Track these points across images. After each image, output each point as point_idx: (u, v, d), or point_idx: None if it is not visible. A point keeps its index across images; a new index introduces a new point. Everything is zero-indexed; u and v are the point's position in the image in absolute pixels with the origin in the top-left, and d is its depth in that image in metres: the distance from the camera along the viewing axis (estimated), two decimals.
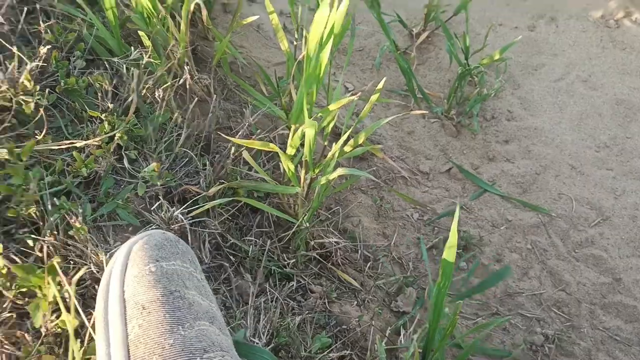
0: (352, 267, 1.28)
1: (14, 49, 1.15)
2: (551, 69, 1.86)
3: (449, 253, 0.81)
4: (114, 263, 0.75)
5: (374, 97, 1.21)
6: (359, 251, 1.30)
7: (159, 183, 1.12)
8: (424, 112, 1.42)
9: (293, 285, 1.18)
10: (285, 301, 1.15)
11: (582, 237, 1.47)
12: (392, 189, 1.46)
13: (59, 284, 0.85)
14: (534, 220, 1.48)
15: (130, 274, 0.72)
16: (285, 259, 1.20)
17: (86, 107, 1.19)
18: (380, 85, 1.21)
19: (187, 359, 0.66)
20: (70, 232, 0.97)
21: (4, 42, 1.23)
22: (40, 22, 1.27)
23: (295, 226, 1.21)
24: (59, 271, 0.81)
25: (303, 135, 1.17)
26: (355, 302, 1.21)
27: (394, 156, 1.57)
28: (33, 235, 0.98)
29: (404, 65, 1.67)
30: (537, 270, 1.40)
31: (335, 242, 1.26)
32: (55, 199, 1.02)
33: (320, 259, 1.23)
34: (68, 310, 0.85)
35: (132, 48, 1.31)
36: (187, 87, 1.34)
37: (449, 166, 1.58)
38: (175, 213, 1.07)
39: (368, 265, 1.29)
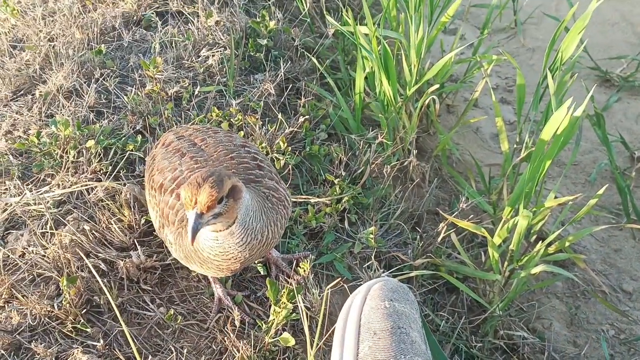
0: None
1: (279, 115, 1.40)
2: None
3: None
4: (356, 295, 0.92)
5: (591, 202, 1.26)
6: (546, 352, 1.32)
7: (372, 246, 1.27)
8: (638, 227, 1.41)
9: None
10: None
11: None
12: (597, 296, 1.45)
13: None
14: None
15: (368, 305, 0.89)
16: (473, 341, 1.26)
17: (322, 171, 1.40)
18: (600, 192, 1.25)
19: None
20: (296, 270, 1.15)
21: (269, 109, 1.50)
22: (301, 97, 1.53)
23: (488, 312, 1.27)
24: (299, 298, 0.97)
25: (511, 229, 1.25)
26: None
27: (596, 269, 1.56)
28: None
29: (622, 184, 1.68)
30: None
31: (524, 337, 1.29)
32: (286, 240, 1.21)
33: (507, 350, 1.27)
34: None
35: (368, 129, 1.51)
36: (410, 169, 1.49)
37: None
38: (384, 275, 1.20)
39: None
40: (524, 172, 1.17)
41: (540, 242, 1.30)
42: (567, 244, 1.34)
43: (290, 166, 1.36)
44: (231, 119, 1.43)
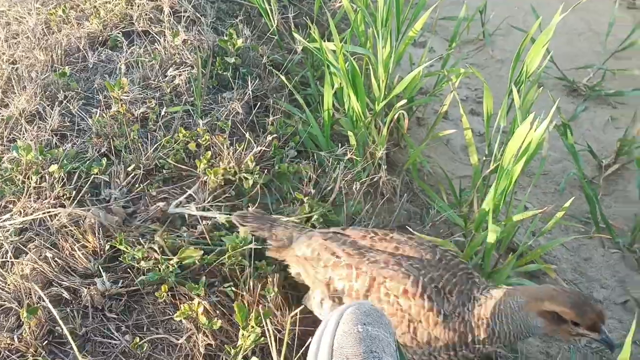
0: None
1: (247, 135, 1.39)
2: None
3: None
4: (329, 319, 0.91)
5: (559, 214, 1.26)
6: None
7: None
8: (607, 236, 1.42)
9: None
10: None
11: None
12: None
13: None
14: None
15: (341, 329, 0.88)
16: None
17: (291, 190, 1.39)
18: (567, 204, 1.26)
19: None
20: (262, 292, 1.13)
21: (237, 128, 1.49)
22: (270, 115, 1.52)
23: None
24: (265, 321, 0.96)
25: (481, 242, 1.25)
26: None
27: (567, 279, 1.57)
28: (234, 289, 1.15)
29: (590, 193, 1.69)
30: None
31: (498, 352, 1.29)
32: (255, 262, 1.19)
33: None
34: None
35: (338, 145, 1.50)
36: (381, 184, 1.49)
37: (626, 298, 1.54)
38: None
39: None
40: (492, 186, 1.17)
41: (511, 253, 1.30)
42: (537, 255, 1.35)
43: (258, 185, 1.35)
44: (198, 140, 1.41)
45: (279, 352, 0.97)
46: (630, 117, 2.01)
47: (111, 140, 1.39)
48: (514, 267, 1.35)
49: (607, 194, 1.86)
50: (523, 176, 1.88)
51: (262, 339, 1.01)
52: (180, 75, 1.58)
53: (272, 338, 0.95)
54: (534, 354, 1.37)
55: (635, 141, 1.87)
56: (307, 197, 1.34)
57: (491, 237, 1.15)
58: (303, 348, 0.98)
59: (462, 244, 1.42)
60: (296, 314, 1.03)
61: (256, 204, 1.32)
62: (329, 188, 1.39)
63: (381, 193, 1.51)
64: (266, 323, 0.96)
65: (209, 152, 1.37)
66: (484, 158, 1.56)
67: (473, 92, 2.26)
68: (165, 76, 1.60)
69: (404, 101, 1.48)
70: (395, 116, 1.52)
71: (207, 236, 1.21)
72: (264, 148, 1.40)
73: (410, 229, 1.29)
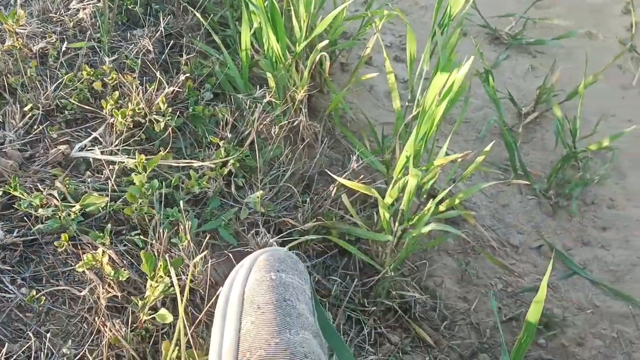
0: (429, 324, 1.30)
1: (157, 74, 1.30)
2: None
3: (536, 307, 0.82)
4: (241, 267, 0.85)
5: (479, 159, 1.25)
6: (438, 310, 1.32)
7: (260, 211, 1.21)
8: (524, 182, 1.44)
9: (369, 330, 1.21)
10: (360, 344, 1.18)
11: None
12: (484, 251, 1.47)
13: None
14: (623, 310, 1.44)
15: (253, 277, 0.82)
16: (366, 304, 1.24)
17: (207, 133, 1.31)
18: (487, 148, 1.25)
19: (287, 358, 0.73)
20: (174, 240, 1.07)
21: (148, 68, 1.39)
22: (182, 55, 1.42)
23: (381, 274, 1.25)
24: (172, 270, 0.89)
25: (402, 188, 1.23)
26: (427, 358, 1.22)
27: (486, 225, 1.58)
28: (142, 237, 1.08)
29: (510, 140, 1.70)
30: None
31: (416, 296, 1.28)
32: (167, 208, 1.12)
33: (399, 310, 1.26)
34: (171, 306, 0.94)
35: (257, 88, 1.43)
36: (300, 129, 1.43)
37: (540, 243, 1.57)
38: (271, 241, 1.14)
39: (445, 325, 1.30)
40: (413, 132, 1.14)
41: (431, 200, 1.29)
42: (457, 201, 1.34)
43: (170, 128, 1.26)
44: (104, 78, 1.30)
45: (189, 301, 0.92)
46: (550, 66, 2.03)
47: (5, 77, 1.26)
48: (435, 213, 1.34)
49: (526, 142, 1.88)
50: (445, 124, 1.87)
51: (172, 289, 0.96)
52: (84, 8, 1.45)
53: (185, 288, 0.89)
54: (453, 299, 1.38)
55: (553, 90, 1.89)
56: (223, 141, 1.27)
57: (412, 183, 1.12)
58: (213, 298, 0.93)
59: (384, 191, 1.39)
60: (207, 261, 0.98)
61: (168, 148, 1.24)
62: (246, 132, 1.33)
63: (302, 138, 1.46)
64: (172, 272, 0.89)
65: (117, 93, 1.27)
66: (407, 104, 1.53)
67: (397, 39, 2.22)
68: (68, 9, 1.47)
69: (325, 42, 1.42)
70: (317, 59, 1.45)
71: (113, 182, 1.12)
72: (177, 89, 1.31)
73: (334, 176, 1.25)
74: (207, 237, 1.11)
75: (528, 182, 1.51)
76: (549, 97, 1.89)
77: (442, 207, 1.34)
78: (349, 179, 1.35)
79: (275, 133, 1.33)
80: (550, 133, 1.88)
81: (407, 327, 1.25)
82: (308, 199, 1.28)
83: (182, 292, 1.02)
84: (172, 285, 0.96)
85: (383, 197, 1.24)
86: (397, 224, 1.24)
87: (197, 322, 0.96)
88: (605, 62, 1.95)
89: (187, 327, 0.92)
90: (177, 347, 0.86)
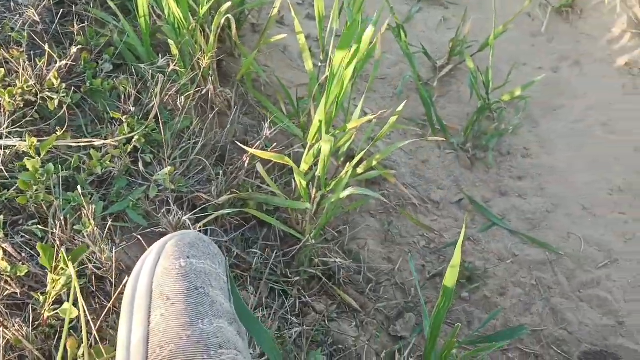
0: (354, 288, 1.29)
1: (46, 47, 1.20)
2: (571, 111, 1.86)
3: (452, 272, 0.81)
4: (148, 255, 0.79)
5: (392, 119, 1.23)
6: (362, 273, 1.31)
7: (171, 188, 1.15)
8: (440, 139, 1.43)
9: (294, 301, 1.19)
10: (284, 316, 1.15)
11: (588, 277, 1.46)
12: (404, 211, 1.47)
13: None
14: (541, 257, 1.48)
15: (161, 265, 0.76)
16: (289, 274, 1.21)
17: (108, 108, 1.23)
18: (400, 108, 1.23)
19: (201, 351, 0.69)
20: (77, 227, 1.00)
21: (37, 40, 1.28)
22: (75, 25, 1.32)
23: (302, 243, 1.22)
24: (70, 263, 0.83)
25: (318, 153, 1.19)
26: (354, 323, 1.21)
27: (406, 183, 1.58)
28: (41, 227, 1.00)
29: (425, 95, 1.69)
30: (540, 306, 1.39)
31: (339, 262, 1.26)
32: (68, 193, 1.05)
33: (323, 278, 1.24)
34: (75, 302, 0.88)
35: (160, 56, 1.35)
36: (209, 98, 1.37)
37: (460, 197, 1.58)
38: (184, 218, 1.09)
39: (370, 288, 1.29)
40: (324, 94, 1.10)
41: (349, 163, 1.26)
42: (375, 162, 1.32)
43: (66, 106, 1.17)
44: None
45: (90, 293, 0.86)
46: (461, 17, 2.02)
47: None
48: (354, 176, 1.32)
49: (442, 95, 1.88)
50: (361, 81, 1.84)
51: (79, 281, 0.89)
52: None
53: (92, 278, 0.83)
54: (377, 261, 1.37)
55: (466, 41, 1.88)
56: (126, 116, 1.19)
57: (325, 148, 1.08)
58: (122, 285, 0.87)
59: (302, 156, 1.36)
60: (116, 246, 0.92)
61: (65, 127, 1.15)
62: (151, 105, 1.25)
63: (212, 107, 1.39)
64: (70, 266, 0.83)
65: (2, 70, 1.16)
66: (320, 64, 1.49)
67: None
68: None
69: (228, 4, 1.35)
70: (222, 21, 1.38)
71: (3, 168, 1.03)
72: (70, 62, 1.22)
73: (243, 146, 1.19)
74: (114, 221, 1.05)
75: (444, 138, 1.50)
76: (462, 49, 1.89)
77: (360, 169, 1.32)
78: (264, 147, 1.30)
79: (182, 104, 1.26)
80: (465, 85, 1.88)
81: (332, 294, 1.24)
82: (221, 171, 1.23)
83: (89, 282, 0.96)
84: (81, 276, 0.90)
85: (302, 163, 1.20)
86: (315, 190, 1.21)
87: (106, 311, 0.91)
88: (515, 11, 1.95)
89: (95, 320, 0.87)
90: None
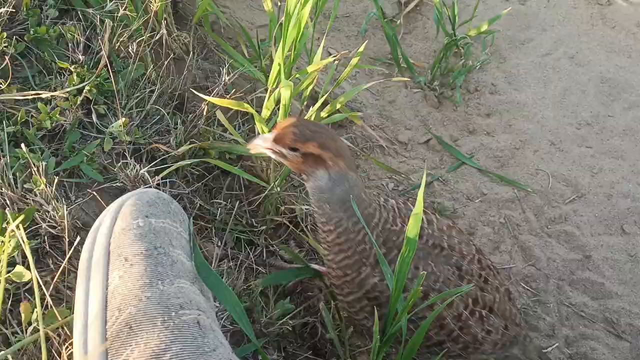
0: None
1: None
2: (539, 44, 1.83)
3: (415, 220, 0.79)
4: (104, 216, 0.75)
5: (354, 60, 1.19)
6: None
7: (127, 140, 1.10)
8: (406, 79, 1.40)
9: (261, 250, 1.17)
10: (250, 266, 1.14)
11: (555, 213, 1.46)
12: (369, 156, 1.44)
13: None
14: (509, 195, 1.48)
15: (119, 226, 0.73)
16: (254, 223, 1.19)
17: (56, 58, 1.16)
18: (361, 49, 1.18)
19: (161, 312, 0.66)
20: (28, 185, 0.95)
21: None
22: None
23: (267, 191, 1.19)
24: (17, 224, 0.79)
25: (277, 100, 1.15)
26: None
27: (373, 125, 1.55)
28: None
29: (390, 32, 1.64)
30: (509, 244, 1.39)
31: (305, 208, 1.24)
32: (16, 149, 0.99)
33: (290, 225, 1.22)
34: (26, 264, 0.84)
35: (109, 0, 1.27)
36: (164, 43, 1.30)
37: (428, 137, 1.56)
38: (142, 171, 1.05)
39: None
40: (279, 44, 1.05)
41: (312, 106, 1.22)
42: (339, 104, 1.28)
43: (9, 56, 1.10)
44: None
45: (45, 253, 0.83)
46: None
47: None
48: (320, 119, 1.28)
49: (407, 32, 1.83)
50: (324, 20, 1.78)
51: (31, 241, 0.86)
52: None
53: (45, 238, 0.79)
54: None
55: None
56: (75, 66, 1.13)
57: (285, 93, 1.04)
58: (75, 244, 0.84)
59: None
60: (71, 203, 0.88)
61: (9, 79, 1.08)
62: (102, 52, 1.18)
63: (168, 52, 1.33)
64: (19, 231, 0.79)
65: None
66: (279, 3, 1.42)
67: None
68: None
69: None
70: None
71: None
72: (10, 9, 1.14)
73: (200, 94, 1.14)
74: (68, 177, 1.00)
75: (411, 77, 1.46)
76: None
77: (325, 113, 1.28)
78: (223, 93, 1.26)
79: (135, 50, 1.19)
80: (431, 21, 1.83)
81: (300, 241, 1.22)
82: (180, 121, 1.18)
83: (43, 242, 0.92)
84: (36, 237, 0.86)
85: (263, 109, 1.16)
86: None
87: (61, 270, 0.87)
88: None
89: (49, 283, 0.84)
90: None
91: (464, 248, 0.99)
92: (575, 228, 1.43)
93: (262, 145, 0.89)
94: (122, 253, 0.71)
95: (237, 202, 1.19)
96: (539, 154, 1.58)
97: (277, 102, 1.15)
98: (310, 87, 1.23)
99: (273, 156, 0.90)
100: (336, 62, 1.34)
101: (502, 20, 1.74)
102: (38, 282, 0.72)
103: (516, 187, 1.49)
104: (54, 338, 0.78)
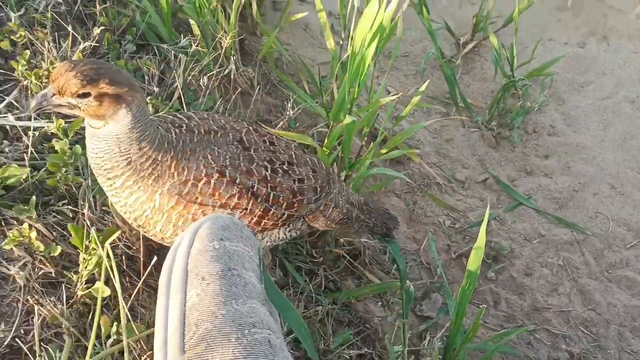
0: (380, 268, 1.28)
1: (69, 28, 1.20)
2: (598, 87, 1.83)
3: (476, 254, 0.81)
4: (182, 238, 0.80)
5: (415, 99, 1.22)
6: (388, 253, 1.31)
7: None
8: (464, 118, 1.42)
9: (320, 280, 1.19)
10: (310, 295, 1.16)
11: (616, 257, 1.44)
12: (427, 193, 1.46)
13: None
14: (568, 237, 1.46)
15: (196, 248, 0.77)
16: (314, 254, 1.21)
17: None
18: (422, 87, 1.21)
19: (235, 330, 0.70)
20: (106, 208, 1.00)
21: (60, 22, 1.28)
22: (97, 5, 1.31)
23: None
24: (100, 243, 0.84)
25: (341, 133, 1.19)
26: (380, 303, 1.22)
27: (431, 162, 1.56)
28: (71, 207, 1.01)
29: (449, 72, 1.67)
30: (567, 287, 1.38)
31: (364, 241, 1.26)
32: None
33: (348, 257, 1.24)
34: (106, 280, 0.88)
35: (182, 36, 1.34)
36: (232, 77, 1.36)
37: (486, 176, 1.57)
38: None
39: (395, 268, 1.29)
40: (346, 74, 1.09)
41: (372, 142, 1.25)
42: (398, 141, 1.31)
43: None
44: (12, 37, 1.20)
45: (122, 272, 0.87)
46: None
47: None
48: (378, 155, 1.31)
49: (465, 72, 1.85)
50: (384, 59, 1.82)
51: (109, 260, 0.90)
52: None
53: (122, 258, 0.84)
54: (402, 240, 1.37)
55: (489, 17, 1.85)
56: (150, 97, 1.19)
57: (348, 128, 1.07)
58: (150, 266, 0.88)
59: (326, 135, 1.36)
60: None
61: None
62: (175, 85, 1.25)
63: (235, 87, 1.39)
64: (106, 247, 0.84)
65: (28, 52, 1.17)
66: (342, 41, 1.47)
67: None
68: None
69: None
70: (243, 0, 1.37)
71: (32, 150, 1.04)
72: (93, 43, 1.22)
73: (266, 127, 1.19)
74: None
75: (469, 116, 1.48)
76: (485, 24, 1.85)
77: (384, 149, 1.31)
78: (287, 126, 1.30)
79: (205, 84, 1.26)
80: (489, 62, 1.86)
81: (357, 274, 1.24)
82: None
83: (120, 261, 0.97)
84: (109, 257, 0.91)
85: (325, 143, 1.20)
86: (338, 170, 1.20)
87: (137, 290, 0.91)
88: None
89: (127, 299, 0.88)
90: (117, 322, 0.82)
91: (235, 125, 0.97)
92: (637, 274, 1.41)
93: (44, 104, 0.77)
94: (200, 273, 0.75)
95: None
96: (599, 197, 1.57)
97: (339, 136, 1.19)
98: (372, 122, 1.26)
99: (62, 111, 0.79)
100: (395, 100, 1.37)
101: (561, 63, 1.75)
102: (121, 298, 0.76)
103: (575, 230, 1.48)
104: (134, 349, 0.82)
